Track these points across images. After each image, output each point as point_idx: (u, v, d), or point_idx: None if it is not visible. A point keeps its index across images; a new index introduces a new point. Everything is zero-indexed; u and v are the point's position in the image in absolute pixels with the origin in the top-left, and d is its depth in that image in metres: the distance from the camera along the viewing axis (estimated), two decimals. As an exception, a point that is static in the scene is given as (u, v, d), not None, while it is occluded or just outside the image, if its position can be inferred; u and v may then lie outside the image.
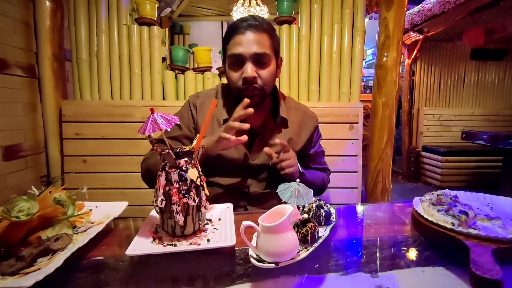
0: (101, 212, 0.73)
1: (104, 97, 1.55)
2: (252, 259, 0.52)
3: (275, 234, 0.51)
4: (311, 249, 0.56)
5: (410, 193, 3.50)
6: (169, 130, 0.59)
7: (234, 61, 0.90)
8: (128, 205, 0.79)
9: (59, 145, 1.48)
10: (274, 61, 0.94)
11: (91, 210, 0.72)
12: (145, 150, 1.47)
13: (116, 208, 0.74)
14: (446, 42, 3.87)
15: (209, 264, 0.56)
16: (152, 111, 0.59)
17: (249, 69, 0.87)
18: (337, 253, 0.59)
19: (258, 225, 0.53)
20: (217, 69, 1.68)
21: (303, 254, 0.54)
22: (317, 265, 0.55)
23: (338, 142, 1.50)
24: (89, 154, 1.48)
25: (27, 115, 1.42)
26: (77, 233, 0.62)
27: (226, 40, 0.93)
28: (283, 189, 0.61)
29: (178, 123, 1.02)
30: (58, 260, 0.50)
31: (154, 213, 0.72)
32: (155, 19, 1.56)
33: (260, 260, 0.52)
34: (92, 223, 0.67)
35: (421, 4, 3.09)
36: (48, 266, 0.48)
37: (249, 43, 0.87)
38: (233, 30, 0.90)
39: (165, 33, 1.63)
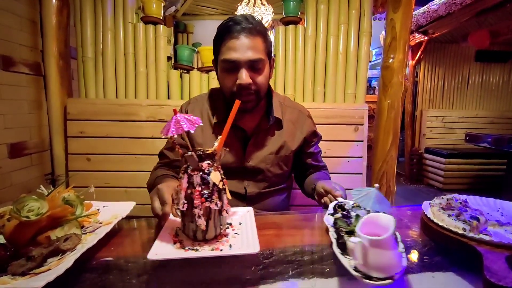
0: (109, 212, 0.72)
1: (109, 96, 1.55)
2: (366, 281, 0.46)
3: (384, 247, 0.46)
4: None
5: (413, 195, 3.50)
6: (192, 132, 0.57)
7: (227, 67, 0.88)
8: (133, 204, 0.78)
9: (64, 143, 1.48)
10: (268, 65, 0.92)
11: (98, 210, 0.72)
12: (149, 149, 1.48)
13: (124, 208, 0.74)
14: (450, 44, 3.86)
15: (227, 268, 0.56)
16: (175, 112, 0.58)
17: (244, 76, 0.85)
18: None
19: None
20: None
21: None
22: (327, 269, 0.55)
23: (342, 144, 1.50)
24: (93, 152, 1.48)
25: (32, 112, 1.42)
26: (85, 233, 0.62)
27: (218, 42, 0.90)
28: (361, 196, 0.58)
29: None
30: (68, 260, 0.49)
31: (172, 216, 0.71)
32: (161, 18, 1.56)
33: (368, 277, 0.47)
34: (100, 223, 0.67)
35: (426, 6, 3.07)
36: (59, 266, 0.48)
37: (243, 48, 0.85)
38: (225, 33, 0.87)
39: (170, 32, 1.63)
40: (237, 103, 0.68)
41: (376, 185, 0.59)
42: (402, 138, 4.11)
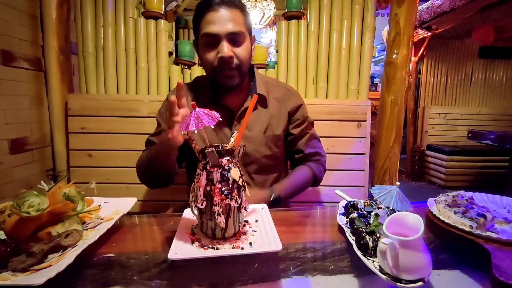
0: (110, 208, 0.72)
1: (110, 91, 1.54)
2: (399, 284, 0.44)
3: (415, 248, 0.44)
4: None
5: (414, 193, 3.48)
6: (212, 127, 0.56)
7: (208, 41, 0.87)
8: (134, 201, 0.78)
9: (65, 139, 1.47)
10: (248, 39, 0.92)
11: (100, 206, 0.72)
12: (151, 145, 1.47)
13: (125, 204, 0.73)
14: (454, 40, 3.82)
15: (229, 266, 0.56)
16: (194, 106, 0.57)
17: (225, 49, 0.85)
18: (351, 255, 0.58)
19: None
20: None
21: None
22: (332, 266, 0.54)
23: (345, 140, 1.49)
24: (94, 148, 1.47)
25: (33, 108, 1.41)
26: (86, 229, 0.62)
27: (198, 17, 0.89)
28: (382, 195, 0.57)
29: (159, 122, 1.02)
30: (69, 257, 0.49)
31: (186, 213, 0.70)
32: (162, 12, 1.54)
33: (396, 279, 0.45)
34: (101, 219, 0.66)
35: (430, 1, 3.04)
36: (60, 263, 0.48)
37: (223, 21, 0.84)
38: (204, 6, 0.86)
39: (172, 27, 1.61)
40: (255, 97, 0.66)
41: (398, 183, 0.58)
42: (404, 135, 4.08)
